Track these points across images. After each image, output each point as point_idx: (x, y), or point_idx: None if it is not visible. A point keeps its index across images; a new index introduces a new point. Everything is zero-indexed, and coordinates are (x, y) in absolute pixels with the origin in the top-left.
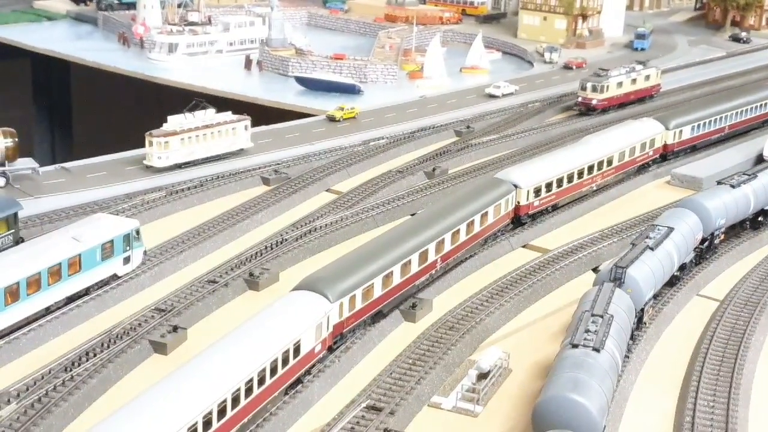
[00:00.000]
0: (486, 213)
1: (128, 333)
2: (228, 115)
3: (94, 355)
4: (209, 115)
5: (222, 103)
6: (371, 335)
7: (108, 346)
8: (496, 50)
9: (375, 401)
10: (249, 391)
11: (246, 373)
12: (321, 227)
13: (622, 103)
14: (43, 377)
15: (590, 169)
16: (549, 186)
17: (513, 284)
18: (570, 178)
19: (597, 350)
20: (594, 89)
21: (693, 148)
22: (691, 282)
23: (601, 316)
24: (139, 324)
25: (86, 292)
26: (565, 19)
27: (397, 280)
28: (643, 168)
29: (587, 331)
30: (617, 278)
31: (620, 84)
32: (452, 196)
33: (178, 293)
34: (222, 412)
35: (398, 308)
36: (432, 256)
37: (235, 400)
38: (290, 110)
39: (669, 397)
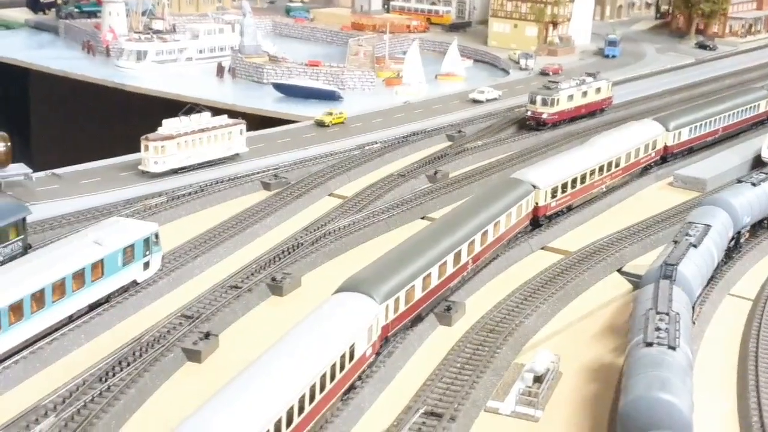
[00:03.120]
0: (510, 213)
1: (158, 341)
2: (224, 119)
3: (128, 364)
4: (204, 118)
5: None
6: (411, 339)
7: (140, 355)
8: (467, 58)
9: (432, 407)
10: (312, 397)
11: (310, 379)
12: (334, 231)
13: (573, 117)
14: (78, 388)
15: (601, 169)
16: (564, 187)
17: (543, 286)
18: (583, 179)
19: (673, 348)
20: (544, 103)
21: (690, 150)
22: (722, 281)
23: (667, 314)
24: (168, 331)
25: (107, 299)
26: (536, 26)
27: (434, 281)
28: (645, 170)
29: (657, 329)
30: (668, 276)
31: (571, 97)
32: (474, 197)
33: (202, 299)
34: (289, 421)
35: (433, 312)
36: (464, 258)
37: (301, 408)
38: (270, 117)
39: (726, 397)
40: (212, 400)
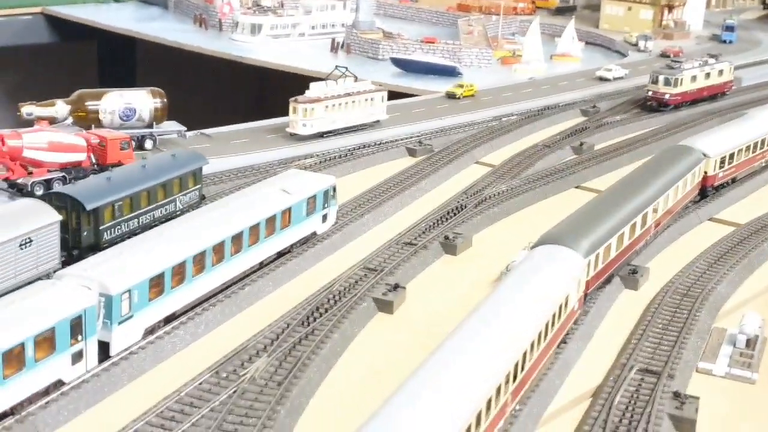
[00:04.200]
0: (686, 180)
1: (349, 290)
2: (367, 85)
3: (326, 311)
4: (349, 83)
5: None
6: (602, 300)
7: (335, 303)
8: (579, 40)
9: (645, 365)
10: (538, 345)
11: (536, 329)
12: (494, 195)
13: (695, 100)
14: (283, 331)
15: (763, 143)
16: (732, 157)
17: (725, 255)
18: (748, 151)
19: None
20: (667, 83)
21: None
22: None
23: None
24: (356, 282)
25: (289, 249)
26: (652, 9)
27: (626, 242)
28: None
29: None
30: None
31: (694, 78)
32: (647, 163)
33: (380, 254)
34: (523, 366)
35: (618, 275)
36: (649, 221)
37: (530, 357)
38: (390, 90)
39: None
40: (440, 353)
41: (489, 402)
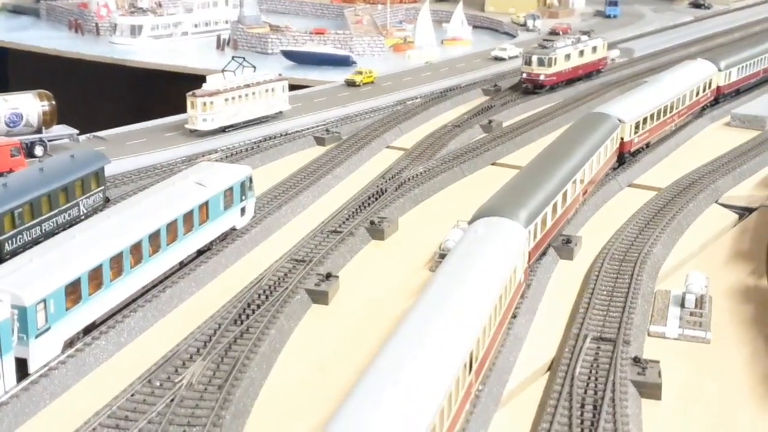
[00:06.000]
0: (606, 146)
1: (279, 284)
2: (266, 75)
3: (258, 307)
4: (248, 74)
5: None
6: (540, 272)
7: (266, 298)
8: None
9: (598, 333)
10: (494, 322)
11: (491, 306)
12: (413, 178)
13: (571, 79)
14: (215, 332)
15: (672, 107)
16: (645, 122)
17: (653, 219)
18: (659, 115)
19: None
20: (541, 63)
21: (737, 91)
22: None
23: None
24: (285, 275)
25: (209, 246)
26: None
27: (559, 211)
28: (701, 110)
29: None
30: None
31: (568, 57)
32: (567, 131)
33: (305, 244)
34: (477, 354)
35: (551, 245)
36: (578, 189)
37: (485, 338)
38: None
39: None
40: (400, 335)
41: (457, 383)
